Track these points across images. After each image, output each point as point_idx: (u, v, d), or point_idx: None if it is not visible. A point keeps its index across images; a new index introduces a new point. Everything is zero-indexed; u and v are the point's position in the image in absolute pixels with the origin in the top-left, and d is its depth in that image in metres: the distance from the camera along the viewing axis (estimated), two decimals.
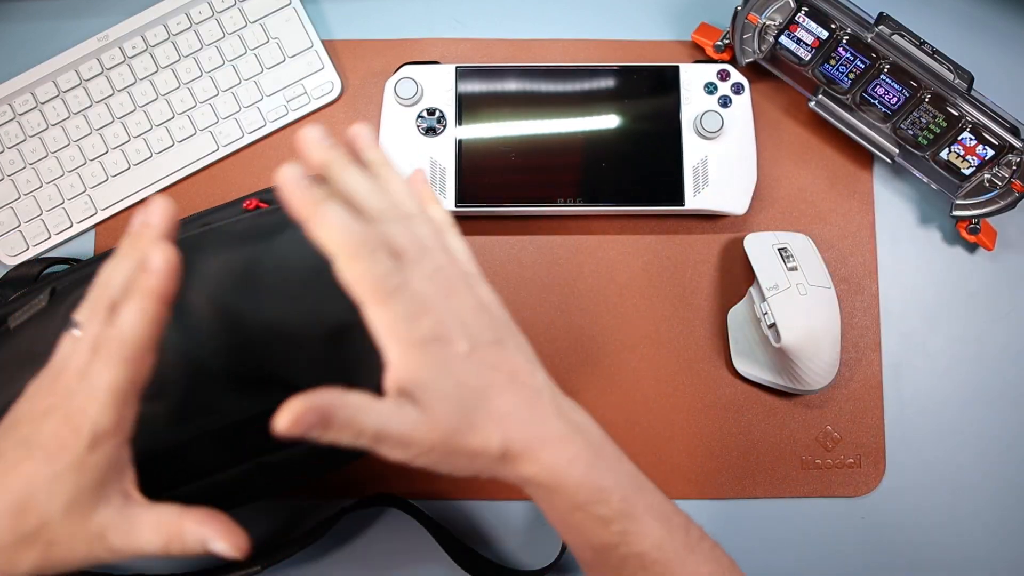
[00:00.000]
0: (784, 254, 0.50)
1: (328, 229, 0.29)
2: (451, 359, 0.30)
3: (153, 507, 0.31)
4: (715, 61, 0.54)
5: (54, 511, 0.29)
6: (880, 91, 0.51)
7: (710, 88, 0.53)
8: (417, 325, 0.29)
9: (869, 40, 0.50)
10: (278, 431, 0.28)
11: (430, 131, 0.52)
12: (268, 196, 0.46)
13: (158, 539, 0.30)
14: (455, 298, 0.31)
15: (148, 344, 0.30)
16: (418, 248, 0.31)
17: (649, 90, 0.53)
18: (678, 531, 0.34)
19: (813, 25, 0.51)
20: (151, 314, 0.30)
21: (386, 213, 0.31)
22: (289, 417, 0.28)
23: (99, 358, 0.29)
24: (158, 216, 0.32)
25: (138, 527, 0.30)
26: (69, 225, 0.53)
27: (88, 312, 0.31)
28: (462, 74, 0.53)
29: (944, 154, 0.51)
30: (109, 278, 0.31)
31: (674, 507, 0.35)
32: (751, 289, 0.52)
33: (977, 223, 0.52)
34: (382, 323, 0.29)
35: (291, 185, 0.29)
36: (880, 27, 0.50)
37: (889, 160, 0.53)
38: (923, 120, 0.51)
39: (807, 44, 0.51)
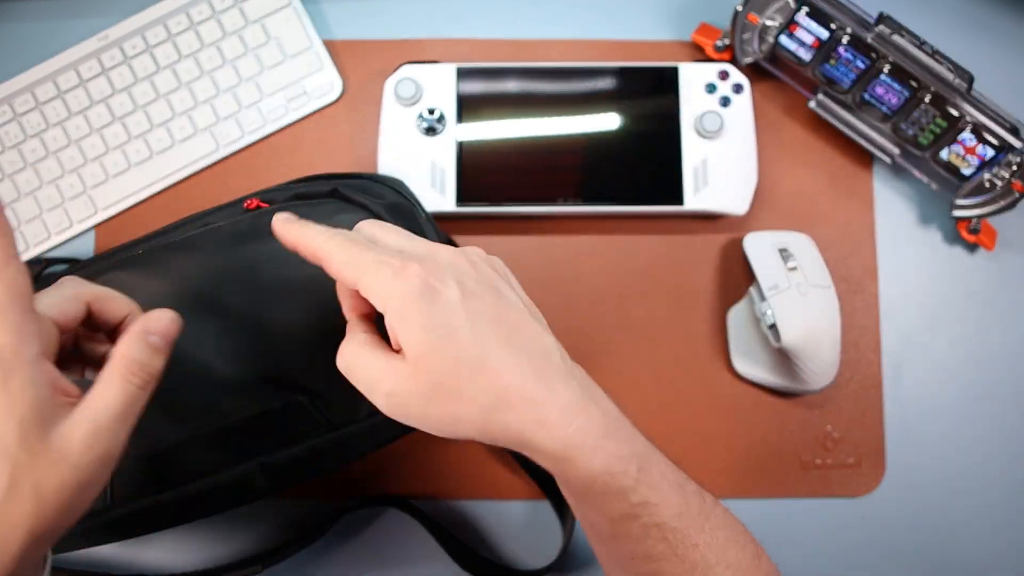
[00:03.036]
0: (784, 254, 0.50)
1: (304, 234, 0.33)
2: (441, 308, 0.30)
3: (89, 389, 0.29)
4: (715, 61, 0.54)
5: (13, 452, 0.26)
6: (880, 91, 0.51)
7: (710, 88, 0.53)
8: (403, 276, 0.30)
9: (869, 40, 0.51)
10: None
11: (430, 131, 0.52)
12: (268, 196, 0.46)
13: (116, 388, 0.29)
14: (437, 253, 0.32)
15: (9, 251, 0.28)
16: (371, 228, 0.35)
17: (649, 90, 0.53)
18: (693, 498, 0.33)
19: (813, 25, 0.51)
20: None
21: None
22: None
23: None
24: None
25: (99, 407, 0.28)
26: (69, 225, 0.53)
27: None
28: (462, 74, 0.53)
29: (944, 154, 0.51)
30: None
31: (685, 475, 0.34)
32: (751, 289, 0.52)
33: (977, 223, 0.52)
34: (372, 285, 0.30)
35: (279, 222, 0.34)
36: (880, 27, 0.50)
37: (889, 160, 0.53)
38: (923, 120, 0.51)
39: (807, 44, 0.51)
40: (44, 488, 0.27)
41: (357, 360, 0.32)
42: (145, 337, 0.30)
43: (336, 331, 0.41)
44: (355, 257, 0.31)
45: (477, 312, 0.30)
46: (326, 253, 0.32)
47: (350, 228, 0.43)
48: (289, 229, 0.34)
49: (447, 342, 0.29)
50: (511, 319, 0.31)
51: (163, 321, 0.31)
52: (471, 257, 0.33)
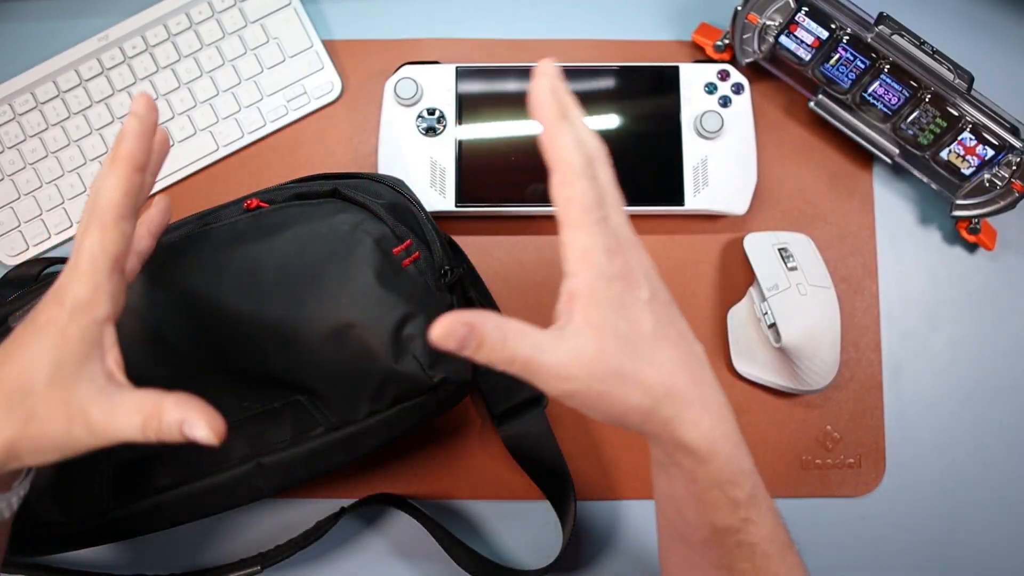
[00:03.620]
0: (784, 254, 0.50)
1: (566, 140, 0.30)
2: (633, 301, 0.31)
3: (136, 390, 0.31)
4: (715, 61, 0.54)
5: (37, 381, 0.29)
6: (880, 91, 0.51)
7: (710, 88, 0.53)
8: (611, 260, 0.30)
9: (869, 40, 0.51)
10: (432, 339, 0.28)
11: (430, 131, 0.52)
12: (268, 196, 0.46)
13: (136, 419, 0.30)
14: (640, 251, 0.33)
15: (121, 211, 0.31)
16: (614, 197, 0.32)
17: (649, 90, 0.53)
18: (781, 529, 0.34)
19: (813, 25, 0.51)
20: (122, 178, 0.31)
21: (597, 157, 0.32)
22: (441, 329, 0.28)
23: (80, 232, 0.31)
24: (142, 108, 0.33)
25: (118, 407, 0.30)
26: (69, 225, 0.53)
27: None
28: (462, 74, 0.53)
29: (944, 154, 0.51)
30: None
31: (777, 506, 0.36)
32: (751, 289, 0.52)
33: (977, 223, 0.52)
34: (581, 248, 0.30)
35: (548, 87, 0.31)
36: (880, 27, 0.50)
37: (889, 160, 0.53)
38: (923, 120, 0.51)
39: (807, 44, 0.51)
40: (32, 425, 0.29)
41: (542, 344, 0.30)
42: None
43: (336, 331, 0.41)
44: (590, 204, 0.30)
45: (658, 314, 0.31)
46: (563, 168, 0.30)
47: (350, 227, 0.43)
48: (552, 107, 0.31)
49: (632, 334, 0.30)
50: (679, 326, 0.33)
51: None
52: (652, 263, 0.34)
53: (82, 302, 0.30)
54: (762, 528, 0.33)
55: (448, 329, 0.28)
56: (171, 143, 0.37)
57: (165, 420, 0.30)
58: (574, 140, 0.30)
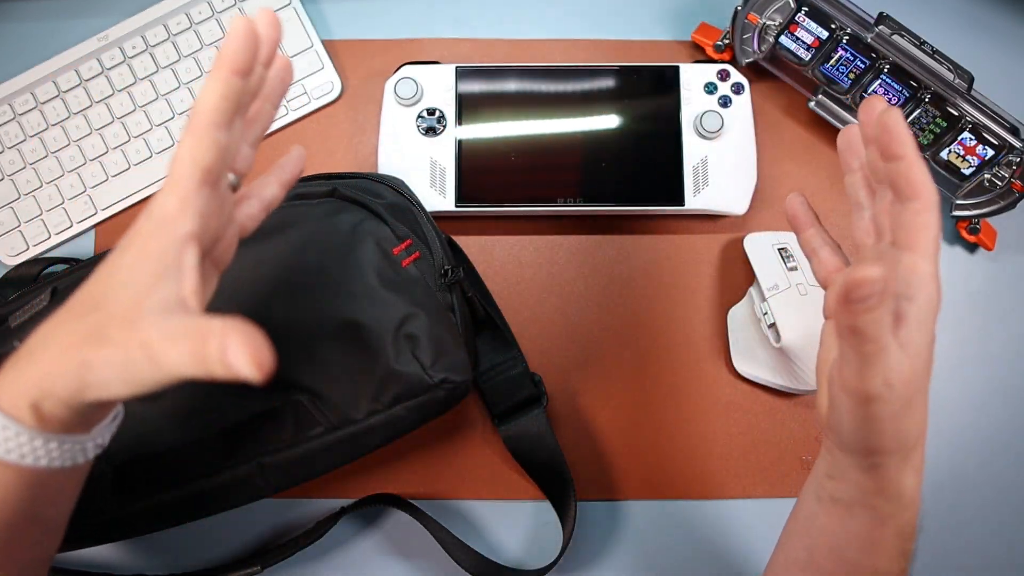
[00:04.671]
0: (784, 254, 0.50)
1: (927, 172, 0.31)
2: (934, 339, 0.32)
3: (198, 316, 0.27)
4: (715, 61, 0.54)
5: (113, 300, 0.27)
6: (880, 91, 0.51)
7: (710, 88, 0.53)
8: (938, 293, 0.32)
9: (869, 40, 0.51)
10: (853, 279, 0.27)
11: (430, 131, 0.52)
12: None
13: (186, 347, 0.25)
14: None
15: (214, 116, 0.28)
16: None
17: (649, 90, 0.53)
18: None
19: (813, 25, 0.51)
20: (218, 80, 0.28)
21: None
22: (860, 285, 0.27)
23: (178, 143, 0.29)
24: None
25: (176, 333, 0.26)
26: (69, 225, 0.53)
27: None
28: (462, 74, 0.53)
29: (944, 154, 0.51)
30: None
31: None
32: (751, 289, 0.52)
33: (977, 223, 0.52)
34: (923, 273, 0.31)
35: (902, 119, 0.30)
36: (880, 27, 0.50)
37: None
38: (923, 120, 0.51)
39: (807, 44, 0.51)
40: (107, 347, 0.26)
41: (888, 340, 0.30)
42: None
43: (336, 331, 0.41)
44: (938, 236, 0.32)
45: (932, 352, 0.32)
46: (929, 197, 0.31)
47: (350, 227, 0.43)
48: (911, 138, 0.30)
49: (927, 369, 0.31)
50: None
51: None
52: None
53: (166, 215, 0.28)
54: (911, 564, 0.34)
55: (872, 286, 0.27)
56: (293, 75, 0.35)
57: (209, 350, 0.25)
58: (929, 173, 0.31)
